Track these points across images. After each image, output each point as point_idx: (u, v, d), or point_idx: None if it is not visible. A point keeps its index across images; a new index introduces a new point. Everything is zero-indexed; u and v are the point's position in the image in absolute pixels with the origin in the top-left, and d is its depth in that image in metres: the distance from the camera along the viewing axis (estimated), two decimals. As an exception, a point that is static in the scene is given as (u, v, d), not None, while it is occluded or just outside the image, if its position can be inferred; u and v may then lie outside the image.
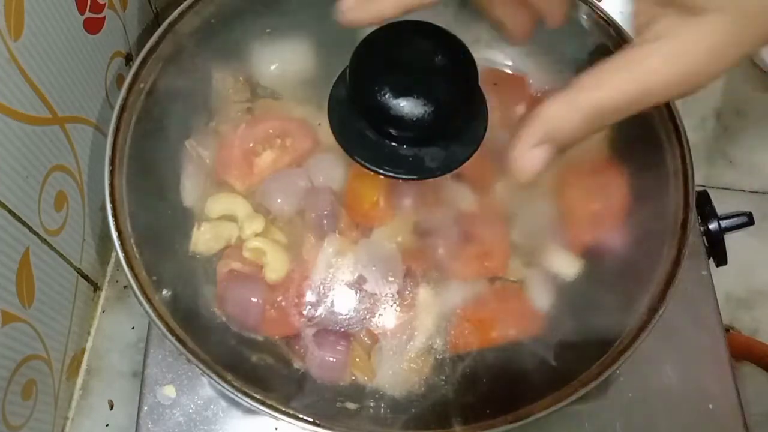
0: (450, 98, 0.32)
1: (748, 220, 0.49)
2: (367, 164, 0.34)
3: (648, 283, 0.38)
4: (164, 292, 0.37)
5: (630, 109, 0.27)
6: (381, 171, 0.34)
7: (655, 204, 0.40)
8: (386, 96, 0.31)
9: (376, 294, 0.37)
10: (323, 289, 0.37)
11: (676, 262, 0.38)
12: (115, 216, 0.37)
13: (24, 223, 0.45)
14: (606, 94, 0.27)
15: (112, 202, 0.37)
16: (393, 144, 0.34)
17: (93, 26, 0.52)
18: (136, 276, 0.36)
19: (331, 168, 0.38)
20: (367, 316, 0.37)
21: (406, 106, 0.31)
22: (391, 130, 0.33)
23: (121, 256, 0.37)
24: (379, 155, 0.34)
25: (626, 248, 0.40)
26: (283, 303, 0.37)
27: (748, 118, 0.74)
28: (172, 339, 0.35)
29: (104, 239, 0.58)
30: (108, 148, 0.38)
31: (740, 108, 0.75)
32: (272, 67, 0.43)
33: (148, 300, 0.36)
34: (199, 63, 0.43)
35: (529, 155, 0.28)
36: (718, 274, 0.51)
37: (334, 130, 0.34)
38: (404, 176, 0.34)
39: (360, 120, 0.33)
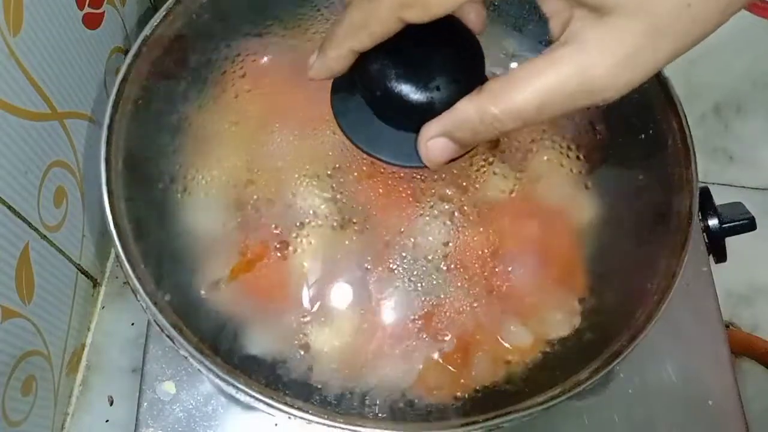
0: (455, 85, 0.31)
1: (749, 223, 0.48)
2: (368, 150, 0.33)
3: (646, 289, 0.38)
4: (162, 289, 0.37)
5: (537, 118, 0.26)
6: (383, 158, 0.33)
7: (660, 211, 0.40)
8: (390, 81, 0.31)
9: (378, 289, 0.37)
10: (325, 284, 0.37)
11: (671, 278, 0.38)
12: (111, 201, 0.37)
13: (23, 219, 0.44)
14: (513, 104, 0.26)
15: (108, 185, 0.37)
16: (396, 131, 0.33)
17: (92, 22, 0.52)
18: (133, 268, 0.36)
19: (336, 160, 0.38)
20: (369, 312, 0.37)
21: (411, 92, 0.31)
22: (394, 117, 0.33)
23: (117, 244, 0.36)
24: (381, 142, 0.33)
25: (625, 251, 0.40)
26: (285, 299, 0.37)
27: (748, 115, 0.74)
28: (174, 332, 0.35)
29: (104, 235, 0.58)
30: (104, 131, 0.38)
31: (740, 104, 0.74)
32: (270, 59, 0.42)
33: (146, 295, 0.36)
34: (197, 54, 0.42)
35: (430, 144, 0.30)
36: (719, 270, 0.50)
37: (336, 117, 0.34)
38: (406, 164, 0.33)
39: (363, 106, 0.33)
